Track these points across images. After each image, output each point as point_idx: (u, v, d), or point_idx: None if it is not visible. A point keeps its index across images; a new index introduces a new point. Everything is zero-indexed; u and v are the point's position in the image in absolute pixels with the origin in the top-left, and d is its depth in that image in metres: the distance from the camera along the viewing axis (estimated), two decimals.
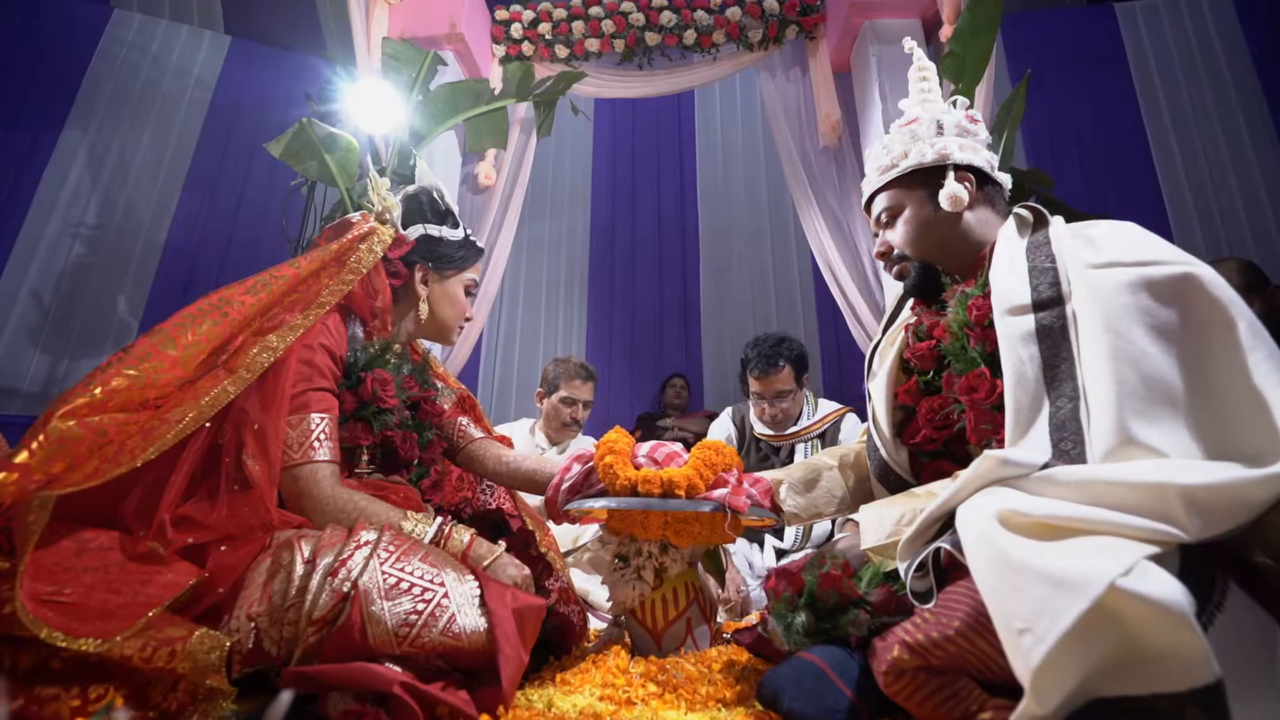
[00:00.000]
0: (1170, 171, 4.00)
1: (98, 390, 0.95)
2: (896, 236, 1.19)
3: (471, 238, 1.37)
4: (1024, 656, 0.56)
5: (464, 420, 1.38)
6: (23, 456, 0.87)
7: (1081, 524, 0.64)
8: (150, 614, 0.80)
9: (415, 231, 1.30)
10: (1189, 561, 0.64)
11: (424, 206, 1.32)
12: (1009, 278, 0.97)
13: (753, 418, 2.40)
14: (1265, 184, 3.85)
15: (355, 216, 1.27)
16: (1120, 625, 0.56)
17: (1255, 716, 0.61)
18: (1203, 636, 0.53)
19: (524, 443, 2.60)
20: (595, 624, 1.46)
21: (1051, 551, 0.61)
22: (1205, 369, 0.76)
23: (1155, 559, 0.60)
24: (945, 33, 2.80)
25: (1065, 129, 4.18)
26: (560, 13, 3.64)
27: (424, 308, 1.30)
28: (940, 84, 2.61)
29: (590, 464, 1.18)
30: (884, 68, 3.00)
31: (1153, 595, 0.54)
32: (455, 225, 1.35)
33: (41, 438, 0.89)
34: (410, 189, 1.35)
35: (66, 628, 0.75)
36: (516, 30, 3.66)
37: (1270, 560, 0.78)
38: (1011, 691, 0.59)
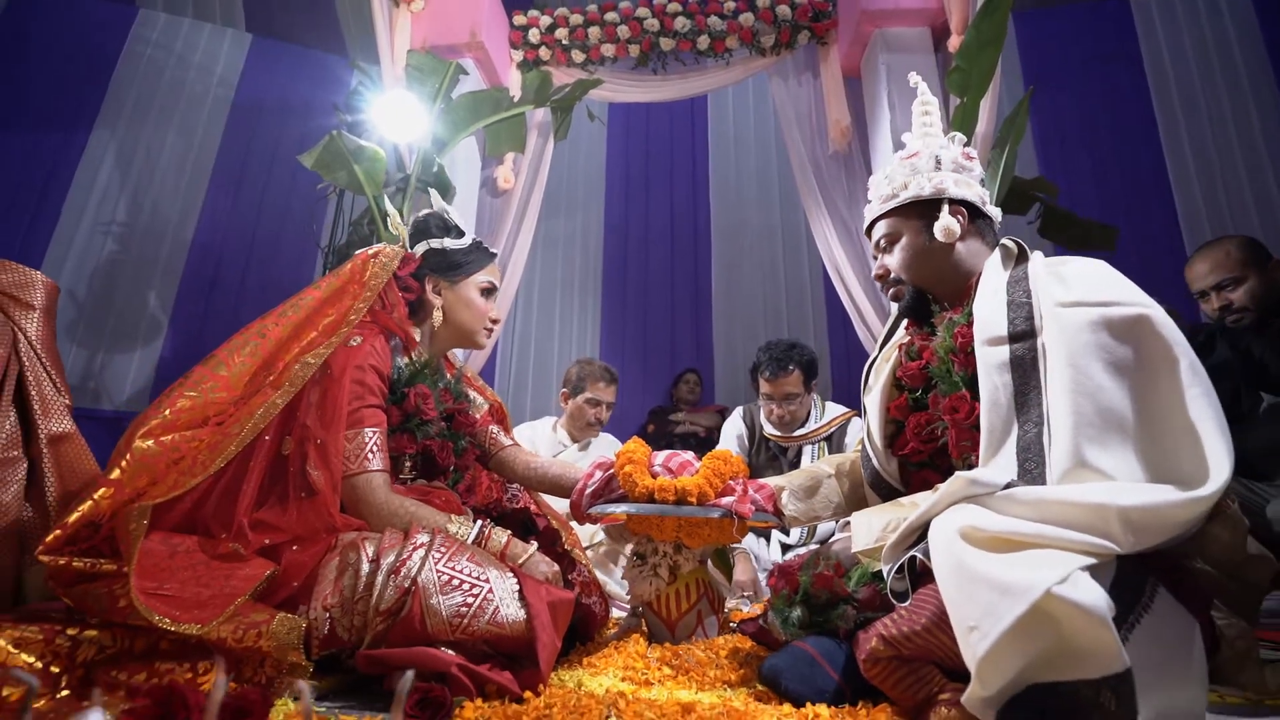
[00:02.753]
0: (1181, 169, 3.98)
1: (167, 412, 1.12)
2: (894, 261, 1.29)
3: (482, 244, 1.47)
4: (972, 649, 0.68)
5: (494, 428, 1.51)
6: (115, 474, 1.03)
7: (1031, 539, 0.76)
8: (236, 602, 0.94)
9: (421, 248, 1.42)
10: (1123, 570, 0.77)
11: (429, 225, 1.45)
12: (990, 310, 1.08)
13: (762, 418, 2.51)
14: (1278, 182, 3.82)
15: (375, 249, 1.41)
16: (1054, 624, 0.68)
17: (1173, 699, 0.73)
18: (1116, 634, 0.65)
19: (547, 440, 2.72)
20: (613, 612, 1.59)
21: (1002, 563, 0.73)
22: (1151, 401, 0.87)
23: (1093, 569, 0.72)
24: (954, 43, 2.85)
25: (1076, 127, 4.17)
26: (577, 19, 3.72)
27: (438, 315, 1.40)
28: (945, 100, 2.68)
29: (611, 471, 1.31)
30: (893, 76, 3.06)
31: (1080, 601, 0.66)
32: (460, 236, 1.45)
33: (129, 457, 1.05)
34: (419, 214, 1.48)
35: (172, 615, 0.89)
36: (534, 36, 3.74)
37: (1209, 568, 0.90)
38: (968, 677, 0.71)
